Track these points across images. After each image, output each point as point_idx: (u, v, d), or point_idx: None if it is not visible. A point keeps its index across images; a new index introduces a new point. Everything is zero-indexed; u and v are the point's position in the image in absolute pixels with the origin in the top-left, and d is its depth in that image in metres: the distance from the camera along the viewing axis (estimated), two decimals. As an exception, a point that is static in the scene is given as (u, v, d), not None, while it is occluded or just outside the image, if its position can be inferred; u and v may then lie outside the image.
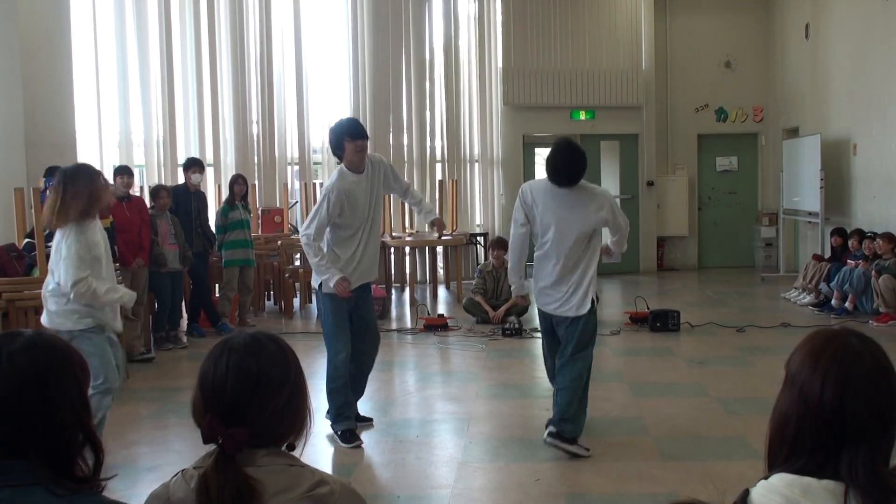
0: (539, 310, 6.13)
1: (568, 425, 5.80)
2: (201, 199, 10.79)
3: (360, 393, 6.71)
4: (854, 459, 1.88)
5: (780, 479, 1.92)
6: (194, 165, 10.68)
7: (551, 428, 5.84)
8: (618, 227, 6.04)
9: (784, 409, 2.00)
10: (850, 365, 1.93)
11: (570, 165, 5.73)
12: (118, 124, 12.81)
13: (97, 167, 9.81)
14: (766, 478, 1.96)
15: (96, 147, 12.26)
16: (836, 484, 1.87)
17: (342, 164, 6.32)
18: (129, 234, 9.18)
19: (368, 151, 6.37)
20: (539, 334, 9.67)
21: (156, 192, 10.00)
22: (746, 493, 1.95)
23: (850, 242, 11.66)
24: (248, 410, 1.99)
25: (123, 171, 9.57)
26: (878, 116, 12.09)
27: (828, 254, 12.40)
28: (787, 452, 1.97)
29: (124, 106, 12.83)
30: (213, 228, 10.89)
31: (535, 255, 6.06)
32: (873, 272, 10.59)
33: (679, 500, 1.59)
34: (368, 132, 14.92)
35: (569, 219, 5.82)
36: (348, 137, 6.20)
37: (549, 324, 6.07)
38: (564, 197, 5.83)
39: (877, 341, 2.02)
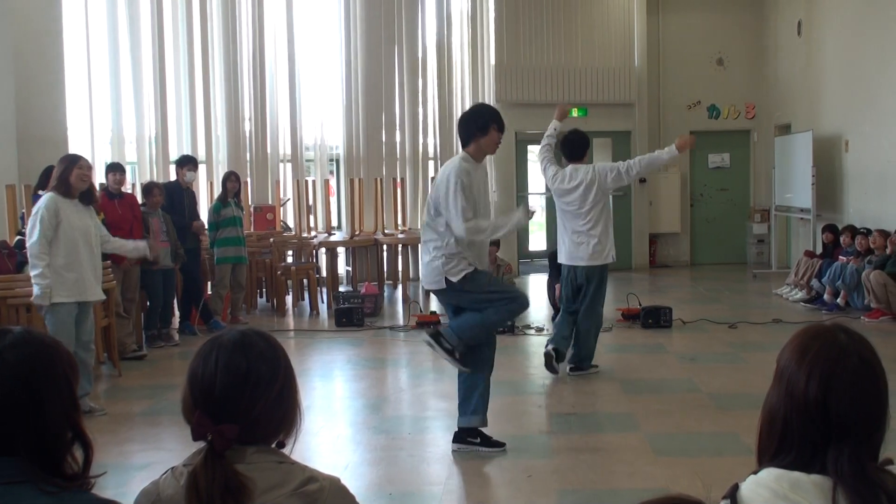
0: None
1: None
2: (191, 195, 10.77)
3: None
4: (840, 455, 1.89)
5: (768, 474, 1.93)
6: (189, 163, 10.65)
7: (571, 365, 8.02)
8: (620, 171, 7.83)
9: (772, 404, 2.01)
10: (835, 361, 1.94)
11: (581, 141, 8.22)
12: (110, 121, 12.80)
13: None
14: (755, 472, 1.97)
15: (88, 144, 12.24)
16: (824, 479, 1.88)
17: (466, 151, 5.91)
18: (120, 231, 9.13)
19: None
20: (531, 331, 9.86)
21: (149, 189, 9.97)
22: (736, 487, 1.96)
23: (842, 238, 11.69)
24: (238, 407, 1.98)
25: (115, 168, 9.54)
26: (869, 113, 12.13)
27: (819, 250, 12.43)
28: (775, 447, 1.98)
29: (116, 103, 12.81)
30: (205, 224, 10.88)
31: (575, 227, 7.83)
32: (866, 268, 10.62)
33: (669, 495, 1.60)
34: (361, 129, 14.84)
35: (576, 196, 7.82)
36: (497, 126, 5.89)
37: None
38: (568, 182, 7.83)
39: (867, 338, 2.02)
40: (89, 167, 6.88)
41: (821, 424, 1.92)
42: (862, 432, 1.91)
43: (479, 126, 5.88)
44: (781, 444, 1.97)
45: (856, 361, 1.94)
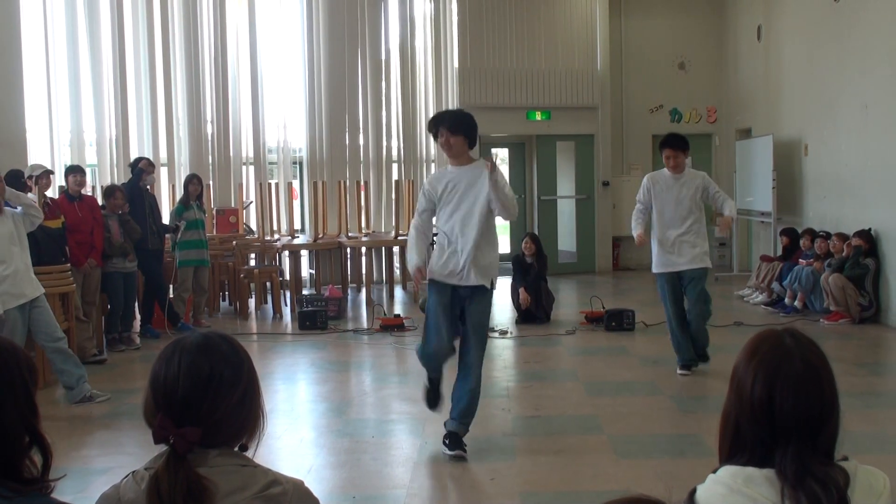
0: (665, 272, 8.44)
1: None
2: (152, 197, 10.68)
3: None
4: (785, 455, 1.95)
5: (725, 472, 2.00)
6: (149, 165, 10.63)
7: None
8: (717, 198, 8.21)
9: (726, 406, 2.09)
10: (778, 363, 2.01)
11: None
12: (70, 123, 12.65)
13: (49, 166, 9.77)
14: (714, 472, 2.02)
15: (47, 146, 12.10)
16: (776, 473, 1.94)
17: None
18: (80, 234, 9.07)
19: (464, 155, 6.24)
20: (494, 334, 9.83)
21: (111, 192, 9.87)
22: (694, 491, 2.01)
23: (801, 242, 11.82)
24: (200, 410, 1.97)
25: (75, 170, 9.45)
26: (828, 117, 12.26)
27: (779, 253, 12.56)
28: (729, 447, 2.05)
29: (76, 105, 12.67)
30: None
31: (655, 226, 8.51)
32: (824, 271, 10.74)
33: (632, 495, 1.60)
34: (324, 132, 14.71)
35: (676, 197, 8.20)
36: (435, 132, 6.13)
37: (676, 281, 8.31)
38: (672, 182, 8.18)
39: (817, 342, 2.08)
40: None
41: (766, 425, 1.99)
42: (806, 433, 1.97)
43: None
44: (734, 444, 2.05)
45: (798, 364, 2.01)
